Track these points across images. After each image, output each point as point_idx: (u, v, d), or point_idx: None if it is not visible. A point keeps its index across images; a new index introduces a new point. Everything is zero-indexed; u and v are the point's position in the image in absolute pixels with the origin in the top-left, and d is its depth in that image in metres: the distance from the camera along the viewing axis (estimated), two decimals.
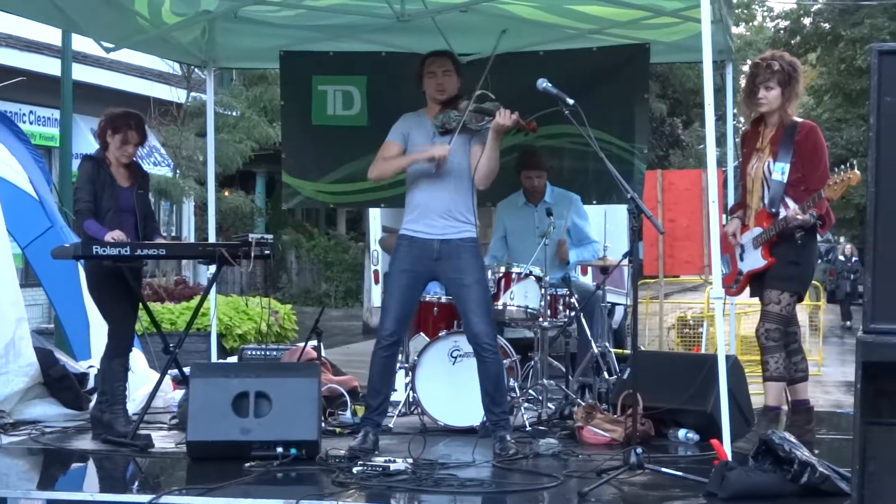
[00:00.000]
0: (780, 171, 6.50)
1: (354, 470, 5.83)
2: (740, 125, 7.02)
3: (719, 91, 8.33)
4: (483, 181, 6.60)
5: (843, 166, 6.28)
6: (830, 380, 15.75)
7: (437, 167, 6.51)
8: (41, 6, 7.59)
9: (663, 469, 5.83)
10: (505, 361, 7.31)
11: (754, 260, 6.55)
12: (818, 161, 6.49)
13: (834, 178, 6.22)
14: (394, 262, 6.71)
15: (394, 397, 7.86)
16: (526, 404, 7.56)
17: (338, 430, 7.07)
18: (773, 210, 6.53)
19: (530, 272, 7.60)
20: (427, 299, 7.89)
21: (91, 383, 8.11)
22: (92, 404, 7.43)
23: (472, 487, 5.69)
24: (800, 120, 6.67)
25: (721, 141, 8.78)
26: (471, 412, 6.99)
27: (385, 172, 6.85)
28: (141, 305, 7.58)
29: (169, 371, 7.41)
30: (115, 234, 6.80)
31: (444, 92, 6.68)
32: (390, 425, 7.31)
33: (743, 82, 7.10)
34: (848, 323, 25.98)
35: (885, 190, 3.93)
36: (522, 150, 8.40)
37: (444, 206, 6.56)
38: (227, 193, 22.14)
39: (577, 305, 7.90)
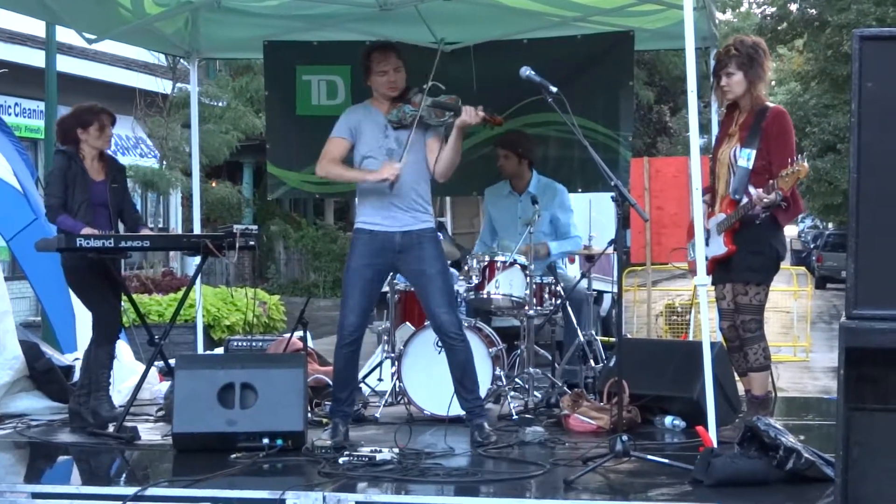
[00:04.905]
0: (746, 157, 6.42)
1: (340, 460, 5.82)
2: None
3: (705, 78, 8.32)
4: (444, 175, 6.57)
5: (798, 156, 6.20)
6: (818, 365, 15.78)
7: (391, 186, 6.44)
8: None
9: (649, 456, 5.83)
10: (491, 350, 7.33)
11: (717, 246, 6.48)
12: (783, 145, 6.36)
13: (785, 170, 6.14)
14: (353, 257, 6.61)
15: (380, 387, 7.90)
16: (512, 393, 7.55)
17: (324, 420, 7.04)
18: (737, 197, 6.44)
19: (515, 261, 7.59)
20: (412, 289, 7.89)
21: (77, 376, 8.08)
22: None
23: (458, 476, 5.69)
24: (771, 104, 6.61)
25: (706, 128, 8.78)
26: (455, 401, 6.98)
27: (331, 176, 6.84)
28: (127, 297, 7.59)
29: (155, 363, 7.39)
30: (88, 231, 6.82)
31: (396, 89, 6.60)
32: (377, 415, 7.32)
33: None
34: None
35: (867, 175, 3.93)
36: (507, 130, 8.37)
37: (404, 199, 6.50)
38: (213, 184, 22.10)
39: (562, 294, 7.89)
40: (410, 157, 6.48)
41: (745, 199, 6.41)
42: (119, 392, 7.67)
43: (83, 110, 7.23)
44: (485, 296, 7.60)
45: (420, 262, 6.51)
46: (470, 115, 6.38)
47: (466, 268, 7.66)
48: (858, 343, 3.89)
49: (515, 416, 7.19)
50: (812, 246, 42.49)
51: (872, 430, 3.95)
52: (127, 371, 8.10)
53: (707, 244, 6.49)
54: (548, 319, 7.83)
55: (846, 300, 3.96)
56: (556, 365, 7.87)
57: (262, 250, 25.16)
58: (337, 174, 6.75)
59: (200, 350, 9.26)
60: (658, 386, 6.96)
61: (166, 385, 7.82)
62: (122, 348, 8.37)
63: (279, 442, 6.16)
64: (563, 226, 8.36)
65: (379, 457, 5.82)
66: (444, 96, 6.55)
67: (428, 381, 7.27)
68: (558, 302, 7.86)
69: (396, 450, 5.98)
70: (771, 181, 6.22)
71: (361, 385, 7.61)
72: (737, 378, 6.89)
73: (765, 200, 6.23)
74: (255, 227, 7.29)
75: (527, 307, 7.58)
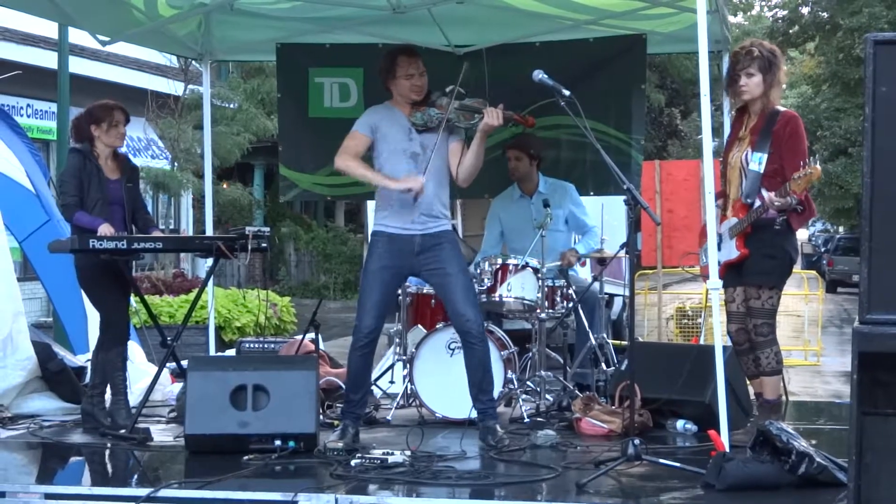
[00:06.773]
0: (758, 161, 6.42)
1: (352, 462, 5.83)
2: None
3: (717, 81, 8.32)
4: (467, 180, 6.60)
5: (810, 159, 6.19)
6: (829, 370, 15.73)
7: (415, 198, 6.43)
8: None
9: (661, 460, 5.82)
10: (503, 353, 7.33)
11: (728, 250, 6.48)
12: (795, 149, 6.36)
13: (798, 173, 6.13)
14: (372, 259, 6.61)
15: (392, 389, 7.90)
16: (524, 396, 7.55)
17: (335, 422, 7.05)
18: (749, 201, 6.44)
19: (527, 263, 7.59)
20: (425, 291, 7.89)
21: (89, 377, 8.11)
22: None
23: (470, 479, 5.68)
24: (782, 109, 6.60)
25: (718, 131, 8.78)
26: (469, 404, 6.97)
27: (350, 172, 6.72)
28: (139, 299, 7.60)
29: (167, 364, 7.41)
30: (105, 229, 6.82)
31: (421, 93, 6.62)
32: (388, 417, 7.32)
33: None
34: None
35: (881, 179, 3.93)
36: (515, 133, 8.36)
37: (425, 204, 6.49)
38: (225, 186, 22.15)
39: (574, 297, 7.88)
40: (434, 163, 6.49)
41: (757, 203, 6.41)
42: (132, 393, 7.68)
43: (97, 107, 7.24)
44: (496, 299, 7.59)
45: (440, 261, 6.52)
46: (492, 116, 6.38)
47: (478, 270, 7.66)
48: (872, 347, 3.89)
49: (527, 420, 7.19)
50: (823, 250, 42.41)
51: (886, 435, 3.95)
52: (139, 372, 8.12)
53: (719, 248, 6.48)
54: (559, 322, 7.83)
55: (859, 304, 3.96)
56: (568, 368, 7.86)
57: (272, 252, 25.20)
58: (359, 173, 6.66)
59: (212, 351, 9.28)
60: (670, 389, 6.94)
61: (178, 386, 7.84)
62: (135, 350, 8.39)
63: (291, 444, 6.16)
64: (580, 221, 8.32)
65: (391, 459, 5.82)
66: (469, 99, 6.56)
67: (440, 383, 7.27)
68: (570, 305, 7.85)
69: (408, 452, 5.98)
70: (785, 184, 6.21)
71: (373, 387, 7.61)
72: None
73: (776, 204, 6.23)
74: (266, 228, 7.30)
75: (538, 310, 7.58)
